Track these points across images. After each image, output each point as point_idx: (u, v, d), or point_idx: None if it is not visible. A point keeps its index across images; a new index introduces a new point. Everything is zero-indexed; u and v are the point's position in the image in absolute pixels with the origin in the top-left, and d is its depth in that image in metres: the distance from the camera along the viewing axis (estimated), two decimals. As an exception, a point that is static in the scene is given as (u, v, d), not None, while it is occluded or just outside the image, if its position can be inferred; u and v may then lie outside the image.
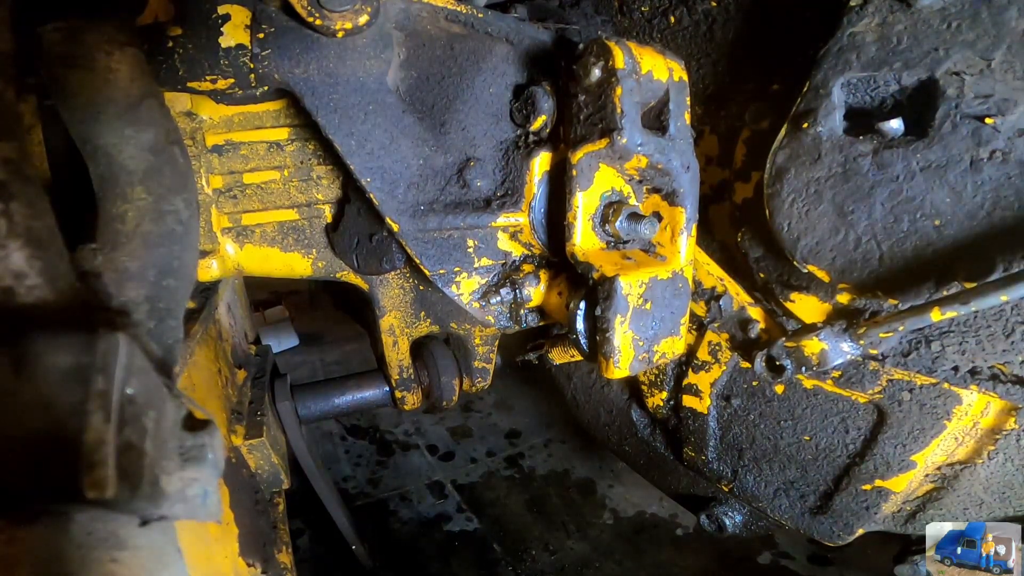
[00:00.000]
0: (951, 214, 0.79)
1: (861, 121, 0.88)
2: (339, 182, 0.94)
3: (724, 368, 1.15)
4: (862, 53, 0.84)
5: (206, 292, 1.04)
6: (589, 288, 0.85)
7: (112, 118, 0.52)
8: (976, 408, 0.92)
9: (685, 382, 1.21)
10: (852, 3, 0.85)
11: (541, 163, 0.89)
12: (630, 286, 0.82)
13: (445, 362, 1.25)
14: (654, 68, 0.83)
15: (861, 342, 0.90)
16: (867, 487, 1.04)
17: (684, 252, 0.92)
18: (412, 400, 1.26)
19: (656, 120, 0.87)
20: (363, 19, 0.75)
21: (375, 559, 1.83)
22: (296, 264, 0.97)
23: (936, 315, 0.78)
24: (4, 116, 0.44)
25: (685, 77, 0.88)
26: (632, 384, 1.37)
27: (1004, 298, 0.72)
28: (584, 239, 0.88)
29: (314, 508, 1.48)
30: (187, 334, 0.83)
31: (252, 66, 0.76)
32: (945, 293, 0.80)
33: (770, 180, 0.93)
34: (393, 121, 0.84)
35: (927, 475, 1.01)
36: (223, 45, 0.75)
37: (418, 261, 0.90)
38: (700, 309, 1.14)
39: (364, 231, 0.94)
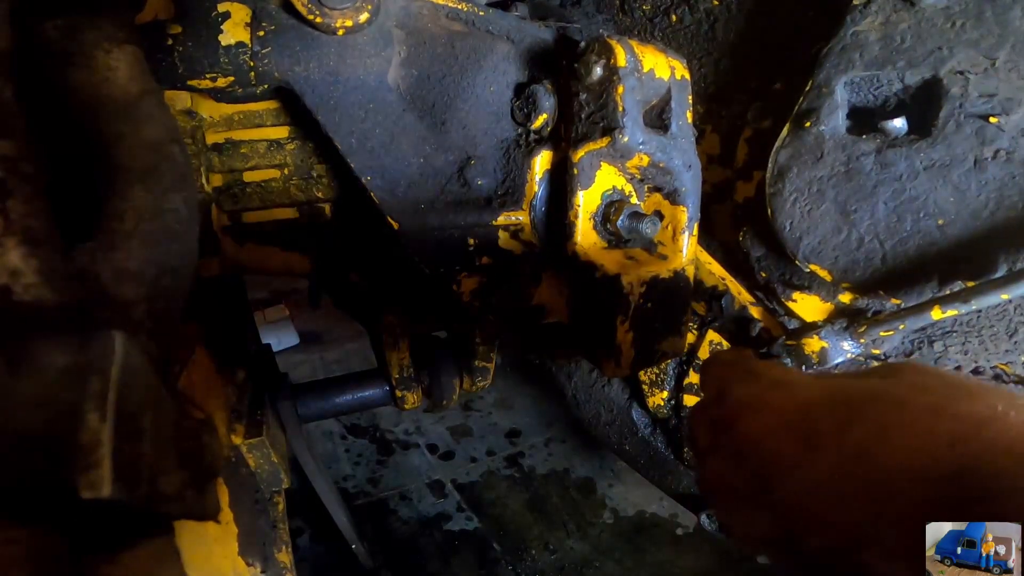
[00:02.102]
0: (955, 213, 0.79)
1: (864, 120, 0.87)
2: (339, 181, 0.94)
3: (725, 368, 1.15)
4: (865, 52, 0.84)
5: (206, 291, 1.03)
6: (590, 287, 0.85)
7: (110, 116, 0.52)
8: (978, 408, 0.91)
9: (686, 381, 1.21)
10: (855, 1, 0.85)
11: (542, 162, 0.89)
12: (631, 285, 0.82)
13: (445, 361, 1.25)
14: (656, 66, 0.83)
15: (862, 340, 0.89)
16: (868, 487, 1.04)
17: (686, 251, 0.91)
18: (412, 399, 1.25)
19: (658, 119, 0.86)
20: (364, 17, 0.74)
21: (375, 558, 1.83)
22: (296, 262, 0.97)
23: (936, 313, 0.77)
24: (2, 114, 0.44)
25: (687, 75, 0.88)
26: (633, 383, 1.37)
27: (1005, 296, 0.72)
28: (585, 238, 0.87)
29: (314, 507, 1.47)
30: (187, 333, 0.82)
31: (252, 64, 0.76)
32: (948, 291, 0.80)
33: (772, 179, 0.92)
34: (393, 120, 0.84)
35: (929, 475, 1.00)
36: (223, 43, 0.74)
37: (418, 260, 0.89)
38: (701, 308, 1.13)
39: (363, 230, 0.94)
